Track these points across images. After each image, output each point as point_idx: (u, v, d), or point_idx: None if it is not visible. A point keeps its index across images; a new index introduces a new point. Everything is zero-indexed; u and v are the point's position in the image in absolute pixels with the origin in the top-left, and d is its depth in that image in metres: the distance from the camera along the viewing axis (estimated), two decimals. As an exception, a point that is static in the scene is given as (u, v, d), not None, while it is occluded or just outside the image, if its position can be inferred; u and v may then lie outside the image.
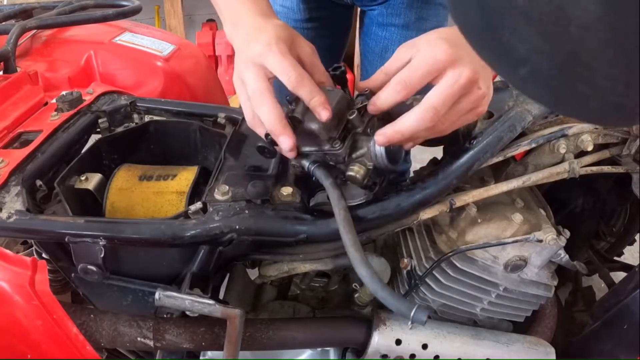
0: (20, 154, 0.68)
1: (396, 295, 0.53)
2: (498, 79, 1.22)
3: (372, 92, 0.60)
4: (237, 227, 0.62)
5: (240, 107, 0.91)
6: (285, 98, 0.62)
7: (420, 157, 0.66)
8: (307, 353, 0.81)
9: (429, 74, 0.55)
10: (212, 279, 0.69)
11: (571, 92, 0.25)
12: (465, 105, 0.56)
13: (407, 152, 0.65)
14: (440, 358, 0.76)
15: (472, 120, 0.59)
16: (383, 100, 0.58)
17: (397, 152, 0.63)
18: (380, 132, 0.58)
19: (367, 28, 1.21)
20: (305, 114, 0.59)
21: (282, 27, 0.62)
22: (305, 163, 0.63)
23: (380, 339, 0.74)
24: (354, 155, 0.62)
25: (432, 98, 0.54)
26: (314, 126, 0.58)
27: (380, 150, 0.59)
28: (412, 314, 0.51)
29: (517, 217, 0.68)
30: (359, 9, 1.25)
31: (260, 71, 0.58)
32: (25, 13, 1.39)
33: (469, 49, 0.55)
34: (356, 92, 0.63)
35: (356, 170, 0.60)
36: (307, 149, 0.62)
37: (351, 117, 0.59)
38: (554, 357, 0.78)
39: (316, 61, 0.63)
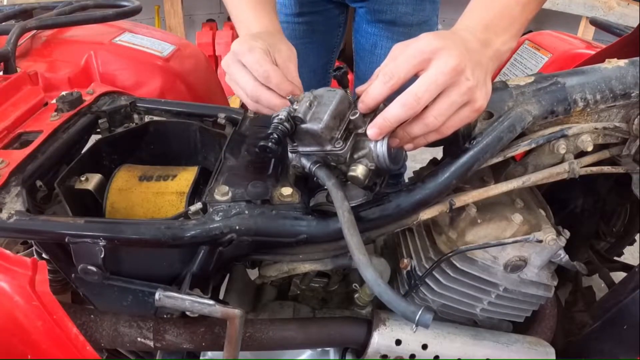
0: (21, 154, 0.68)
1: (401, 298, 0.53)
2: (498, 78, 1.23)
3: None
4: (237, 227, 0.62)
5: (240, 108, 0.91)
6: (286, 98, 0.62)
7: (420, 157, 0.66)
8: (307, 353, 0.82)
9: (414, 65, 0.55)
10: (212, 279, 0.69)
11: None
12: (456, 96, 0.55)
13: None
14: (440, 358, 0.76)
15: (472, 119, 0.59)
16: (371, 94, 0.58)
17: (398, 153, 0.63)
18: (371, 125, 0.58)
19: (358, 25, 1.24)
20: (307, 114, 0.59)
21: (270, 34, 0.74)
22: (307, 163, 0.63)
23: (380, 339, 0.74)
24: (355, 156, 0.61)
25: (414, 84, 0.55)
26: (315, 126, 0.58)
27: (382, 150, 0.59)
28: (417, 317, 0.51)
29: (517, 218, 0.68)
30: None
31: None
32: (25, 13, 1.39)
33: (457, 42, 0.55)
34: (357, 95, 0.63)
35: (358, 171, 0.60)
36: (308, 149, 0.62)
37: (353, 118, 0.59)
38: (554, 357, 0.78)
39: (290, 65, 0.70)
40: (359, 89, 0.62)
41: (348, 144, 0.60)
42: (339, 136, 0.59)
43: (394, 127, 0.58)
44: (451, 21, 0.63)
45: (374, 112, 0.60)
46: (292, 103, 0.60)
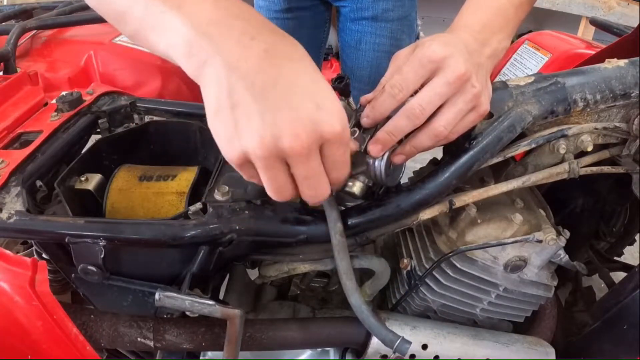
0: (21, 154, 0.68)
1: (383, 326, 0.57)
2: (497, 79, 1.22)
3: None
4: (237, 227, 0.62)
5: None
6: None
7: (420, 157, 0.65)
8: (307, 353, 0.82)
9: (422, 76, 0.54)
10: (212, 280, 0.69)
11: None
12: (462, 104, 0.55)
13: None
14: (440, 358, 0.76)
15: (476, 123, 0.59)
16: (378, 109, 0.56)
17: (396, 169, 0.62)
18: (372, 140, 0.56)
19: (342, 24, 1.30)
20: None
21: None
22: None
23: (380, 339, 0.74)
24: (353, 172, 0.61)
25: (418, 95, 0.54)
26: None
27: (381, 169, 0.58)
28: (395, 345, 0.56)
29: (517, 218, 0.68)
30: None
31: None
32: (25, 13, 1.39)
33: (461, 47, 0.55)
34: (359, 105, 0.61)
35: (355, 188, 0.60)
36: None
37: (353, 137, 0.57)
38: (554, 357, 0.78)
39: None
40: (363, 99, 0.60)
41: None
42: None
43: (397, 141, 0.57)
44: (450, 21, 0.64)
45: (374, 128, 0.59)
46: None
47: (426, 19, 3.02)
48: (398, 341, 0.56)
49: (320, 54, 1.44)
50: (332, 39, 1.52)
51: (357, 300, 0.57)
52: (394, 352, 0.56)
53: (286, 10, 1.27)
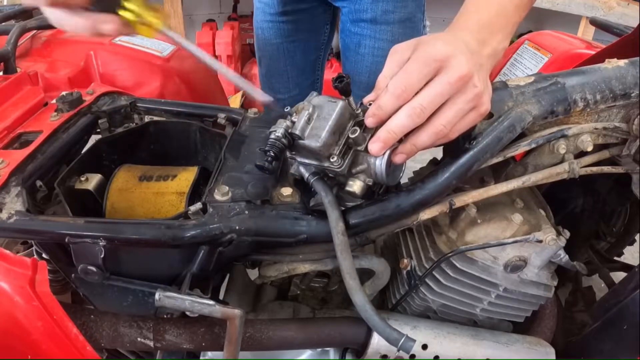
0: (21, 154, 0.68)
1: (387, 325, 0.57)
2: (497, 79, 1.22)
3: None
4: (237, 227, 0.62)
5: (240, 108, 0.91)
6: (284, 109, 0.60)
7: (420, 157, 0.65)
8: (307, 353, 0.82)
9: (426, 75, 0.54)
10: (212, 280, 0.69)
11: None
12: (463, 104, 0.55)
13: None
14: (440, 358, 0.76)
15: (477, 122, 0.59)
16: (384, 109, 0.56)
17: (396, 170, 0.62)
18: (374, 138, 0.56)
19: (343, 25, 1.26)
20: (305, 131, 0.57)
21: None
22: (305, 173, 0.63)
23: (380, 339, 0.74)
24: (353, 171, 0.61)
25: (421, 95, 0.54)
26: (313, 144, 0.56)
27: (381, 168, 0.58)
28: (399, 344, 0.56)
29: (517, 218, 0.68)
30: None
31: None
32: (25, 13, 1.39)
33: (462, 46, 0.55)
34: (359, 102, 0.61)
35: (355, 187, 0.60)
36: (306, 160, 0.61)
37: (353, 136, 0.58)
38: (554, 357, 0.78)
39: None
40: (366, 100, 0.60)
41: (346, 161, 0.59)
42: (338, 152, 0.58)
43: (398, 139, 0.57)
44: (450, 21, 0.64)
45: (374, 128, 0.59)
46: (290, 115, 0.59)
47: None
48: (402, 339, 0.56)
49: (320, 56, 1.39)
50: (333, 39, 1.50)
51: (360, 299, 0.57)
52: (399, 350, 0.56)
53: (282, 14, 1.24)
